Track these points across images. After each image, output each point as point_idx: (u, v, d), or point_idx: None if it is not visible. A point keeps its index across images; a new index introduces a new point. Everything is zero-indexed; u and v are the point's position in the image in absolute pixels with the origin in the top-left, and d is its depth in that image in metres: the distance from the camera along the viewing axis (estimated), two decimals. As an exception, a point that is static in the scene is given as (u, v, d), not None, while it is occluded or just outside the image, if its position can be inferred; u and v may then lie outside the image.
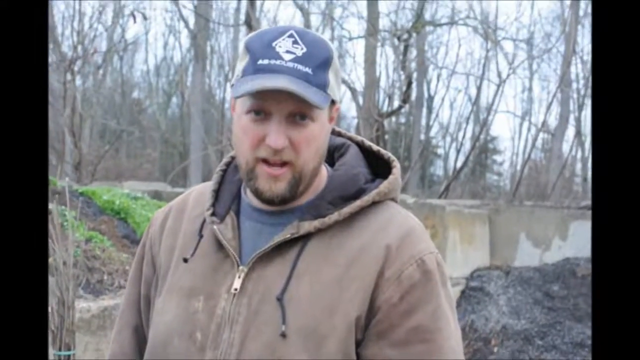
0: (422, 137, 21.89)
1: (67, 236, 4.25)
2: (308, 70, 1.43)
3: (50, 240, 4.01)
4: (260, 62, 1.44)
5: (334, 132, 1.65)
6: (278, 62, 1.43)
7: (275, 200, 1.48)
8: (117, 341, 1.71)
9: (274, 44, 1.44)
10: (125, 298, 1.72)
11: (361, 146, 1.64)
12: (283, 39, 1.45)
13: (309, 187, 1.51)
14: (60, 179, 7.44)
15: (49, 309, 3.90)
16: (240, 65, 1.48)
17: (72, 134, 11.46)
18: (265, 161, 1.46)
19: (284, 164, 1.45)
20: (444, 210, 8.91)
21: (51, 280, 3.96)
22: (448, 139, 24.54)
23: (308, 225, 1.47)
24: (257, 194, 1.49)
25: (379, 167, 1.61)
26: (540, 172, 18.52)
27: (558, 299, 8.00)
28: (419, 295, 1.45)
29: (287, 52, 1.43)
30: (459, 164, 15.57)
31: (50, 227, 4.00)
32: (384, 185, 1.54)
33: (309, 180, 1.49)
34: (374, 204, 1.52)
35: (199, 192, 1.66)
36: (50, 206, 4.48)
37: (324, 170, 1.56)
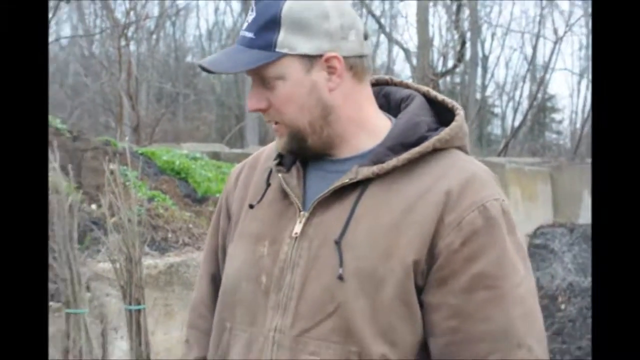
0: (478, 96, 21.62)
1: (130, 195, 4.28)
2: (251, 35, 1.46)
3: (114, 199, 4.06)
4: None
5: (401, 84, 1.63)
6: (240, 34, 1.49)
7: (285, 154, 1.56)
8: (198, 289, 1.78)
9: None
10: (205, 249, 1.79)
11: (427, 96, 1.60)
12: (249, 11, 1.49)
13: (333, 138, 1.52)
14: (119, 141, 7.50)
15: (117, 266, 3.95)
16: None
17: (129, 97, 11.58)
18: None
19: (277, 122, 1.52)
20: (504, 167, 8.78)
21: (117, 237, 4.02)
22: (505, 98, 24.20)
23: (366, 171, 1.47)
24: None
25: (445, 117, 1.57)
26: (600, 130, 18.09)
27: (624, 256, 7.84)
28: (482, 241, 1.41)
29: (246, 21, 1.48)
30: (516, 123, 15.34)
31: (114, 186, 4.05)
32: (445, 132, 1.50)
33: (319, 132, 1.50)
34: (438, 151, 1.49)
35: (272, 148, 1.68)
36: (112, 166, 4.51)
37: (386, 120, 1.56)
